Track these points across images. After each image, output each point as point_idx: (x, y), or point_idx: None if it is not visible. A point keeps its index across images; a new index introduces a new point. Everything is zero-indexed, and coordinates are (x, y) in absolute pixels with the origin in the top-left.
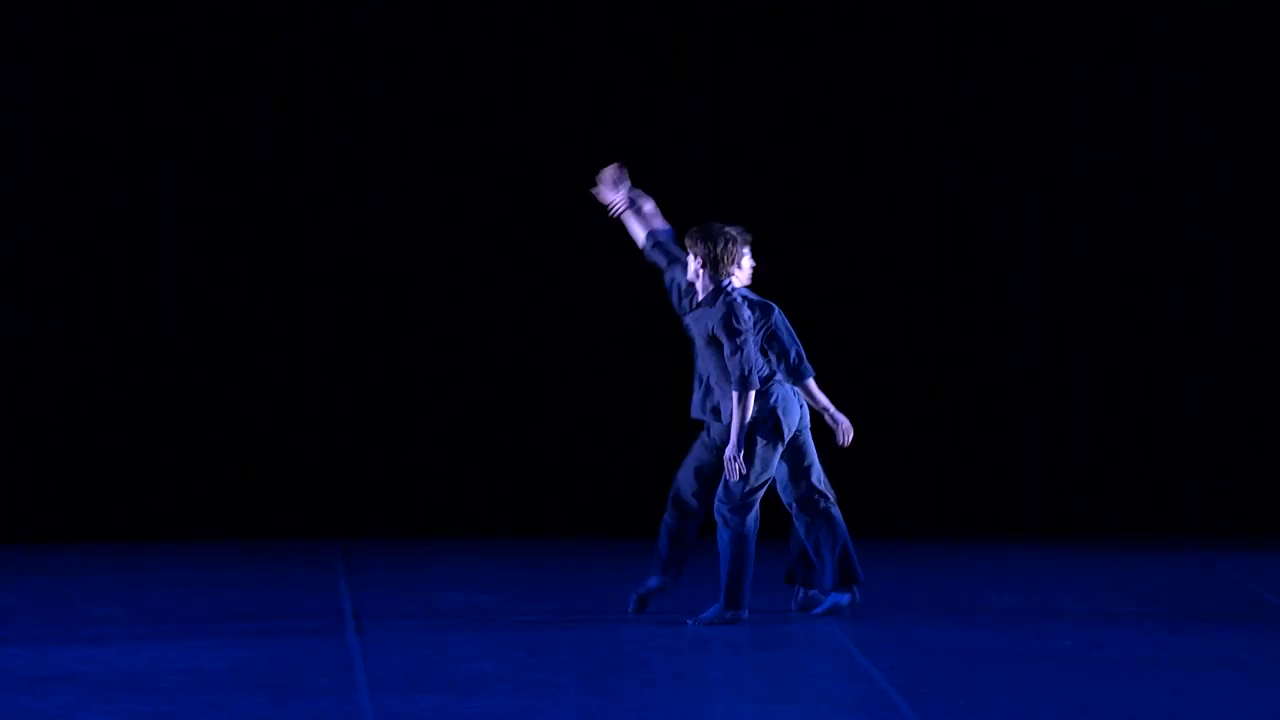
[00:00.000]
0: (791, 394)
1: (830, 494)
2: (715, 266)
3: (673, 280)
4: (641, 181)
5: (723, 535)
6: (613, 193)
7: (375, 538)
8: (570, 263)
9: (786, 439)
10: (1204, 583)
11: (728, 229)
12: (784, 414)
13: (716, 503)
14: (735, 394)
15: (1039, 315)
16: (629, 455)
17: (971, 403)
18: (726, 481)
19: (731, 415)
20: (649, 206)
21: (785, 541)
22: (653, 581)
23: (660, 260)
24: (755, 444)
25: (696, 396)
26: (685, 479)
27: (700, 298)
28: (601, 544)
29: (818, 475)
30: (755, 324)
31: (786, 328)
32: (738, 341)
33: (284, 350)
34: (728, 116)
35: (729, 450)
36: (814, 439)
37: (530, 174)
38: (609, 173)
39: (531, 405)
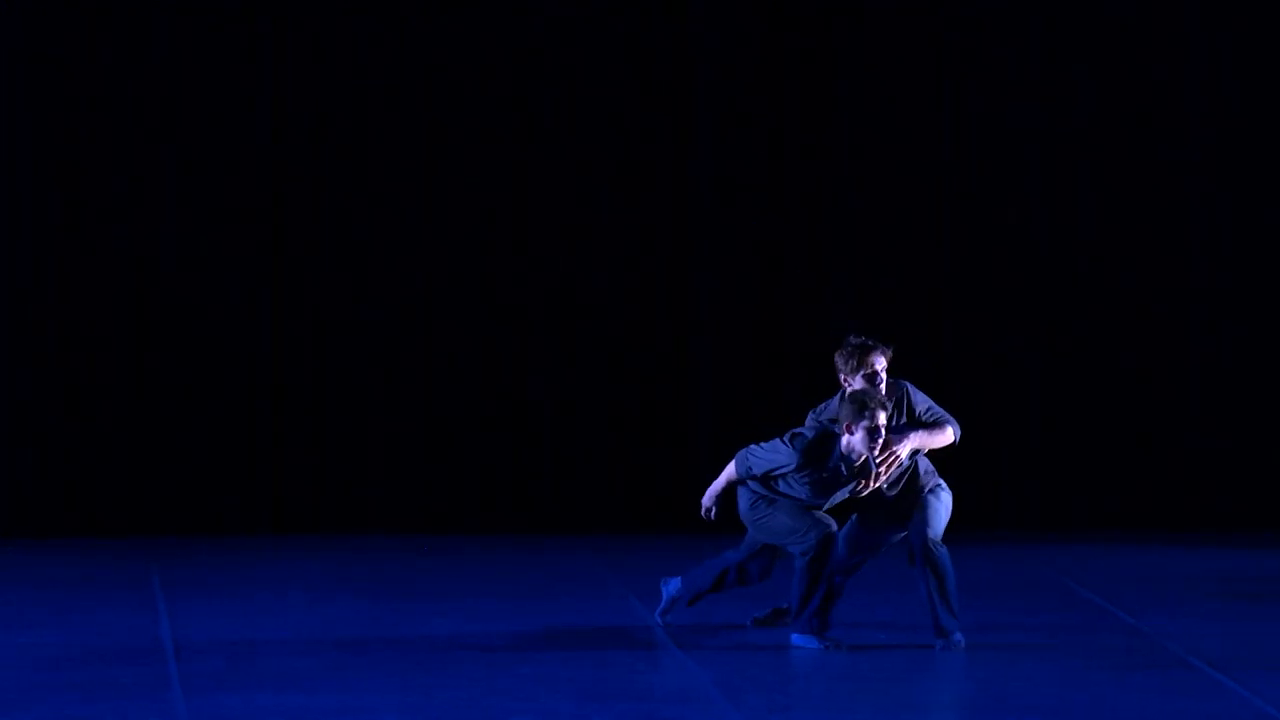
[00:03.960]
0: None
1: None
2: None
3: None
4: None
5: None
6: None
7: (187, 536)
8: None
9: None
10: (1021, 576)
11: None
12: None
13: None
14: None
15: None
16: (450, 450)
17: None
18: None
19: None
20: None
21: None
22: None
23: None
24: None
25: None
26: None
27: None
28: (416, 541)
29: None
30: None
31: None
32: None
33: (118, 354)
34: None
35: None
36: None
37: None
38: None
39: (334, 402)
